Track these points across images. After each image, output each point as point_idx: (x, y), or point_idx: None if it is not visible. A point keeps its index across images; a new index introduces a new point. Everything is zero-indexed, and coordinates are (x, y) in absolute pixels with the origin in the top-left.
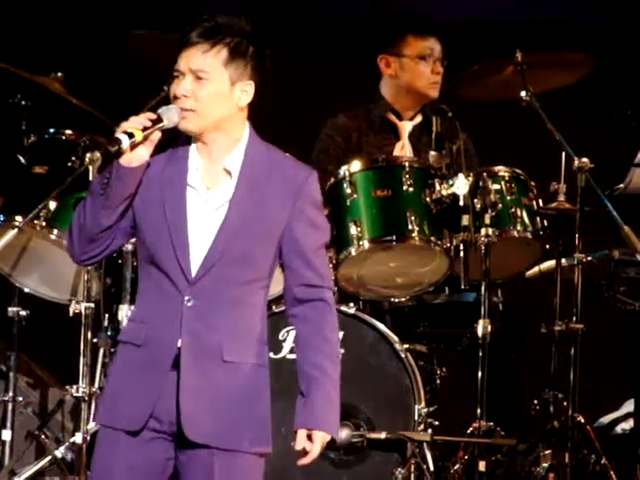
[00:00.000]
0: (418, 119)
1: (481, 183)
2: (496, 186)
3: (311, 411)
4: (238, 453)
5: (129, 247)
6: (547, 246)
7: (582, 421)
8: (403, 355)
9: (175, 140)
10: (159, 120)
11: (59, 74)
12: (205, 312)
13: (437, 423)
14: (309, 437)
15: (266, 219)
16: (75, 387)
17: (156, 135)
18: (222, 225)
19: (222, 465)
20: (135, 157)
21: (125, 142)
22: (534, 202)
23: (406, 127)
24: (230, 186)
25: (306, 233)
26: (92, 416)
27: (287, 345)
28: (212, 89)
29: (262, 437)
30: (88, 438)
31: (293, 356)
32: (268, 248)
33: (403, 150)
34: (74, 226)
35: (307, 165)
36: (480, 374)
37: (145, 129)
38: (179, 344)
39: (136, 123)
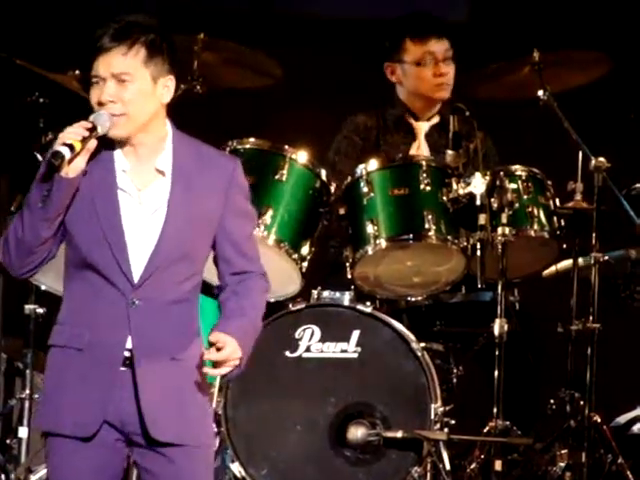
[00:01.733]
0: (435, 120)
1: (498, 182)
2: (513, 185)
3: (229, 324)
4: (197, 447)
5: None
6: (564, 245)
7: (599, 420)
8: (420, 354)
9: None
10: (94, 128)
11: (76, 72)
12: (150, 312)
13: (453, 422)
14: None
15: (204, 215)
16: None
17: (92, 143)
18: (163, 228)
19: (185, 461)
20: (73, 168)
21: (67, 155)
22: (551, 201)
23: (422, 127)
24: (164, 186)
25: (239, 223)
26: None
27: (303, 344)
28: (136, 90)
29: (211, 429)
30: None
31: (309, 355)
32: (206, 242)
33: (419, 150)
34: (10, 241)
35: (230, 154)
36: (497, 373)
37: (83, 139)
38: (128, 345)
39: (74, 134)
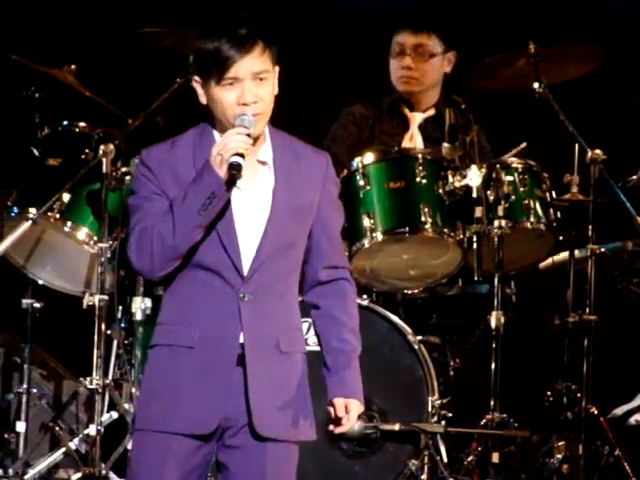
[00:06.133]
0: (430, 112)
1: (494, 175)
2: (509, 178)
3: (345, 383)
4: (292, 444)
5: None
6: (560, 237)
7: (596, 412)
8: (416, 347)
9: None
10: (249, 134)
11: (72, 66)
12: (259, 306)
13: (450, 415)
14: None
15: (305, 205)
16: (89, 379)
17: (250, 149)
18: (270, 217)
19: (272, 454)
20: None
21: (243, 164)
22: (547, 194)
23: (416, 118)
24: (267, 176)
25: (334, 215)
26: (106, 408)
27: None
28: (270, 87)
29: (312, 424)
30: (102, 430)
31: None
32: (305, 233)
33: (412, 140)
34: (154, 247)
35: (317, 148)
36: (493, 366)
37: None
38: (241, 340)
39: (242, 143)
